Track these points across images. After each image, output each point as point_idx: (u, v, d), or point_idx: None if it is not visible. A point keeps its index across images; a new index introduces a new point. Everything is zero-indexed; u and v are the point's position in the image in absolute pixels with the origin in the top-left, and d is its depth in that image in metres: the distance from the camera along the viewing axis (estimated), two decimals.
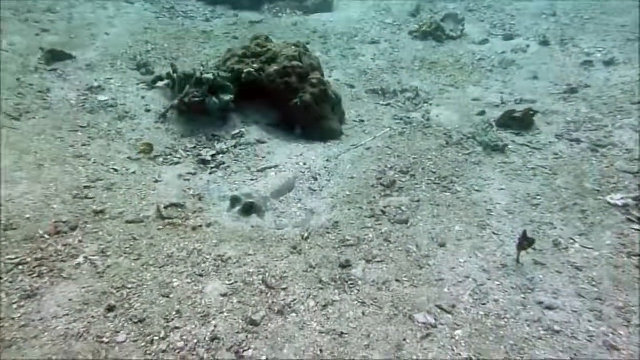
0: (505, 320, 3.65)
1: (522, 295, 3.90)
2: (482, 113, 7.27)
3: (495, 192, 5.40)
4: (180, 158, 5.67)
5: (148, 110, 6.42)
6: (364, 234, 4.61)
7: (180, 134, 6.11)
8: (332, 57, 9.45)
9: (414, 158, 6.00)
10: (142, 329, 3.37)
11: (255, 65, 6.54)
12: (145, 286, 3.75)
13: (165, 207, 4.70)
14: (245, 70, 6.42)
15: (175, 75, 6.49)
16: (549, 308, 3.75)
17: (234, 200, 4.86)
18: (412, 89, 8.07)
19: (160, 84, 6.90)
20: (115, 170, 5.16)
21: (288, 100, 6.43)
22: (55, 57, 7.18)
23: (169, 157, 5.65)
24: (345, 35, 10.53)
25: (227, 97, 6.22)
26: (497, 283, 4.04)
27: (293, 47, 6.75)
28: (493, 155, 6.15)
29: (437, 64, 9.34)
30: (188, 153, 5.80)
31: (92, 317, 3.41)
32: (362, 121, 7.06)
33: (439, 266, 4.22)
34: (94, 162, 5.18)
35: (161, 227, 4.47)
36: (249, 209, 4.79)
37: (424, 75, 8.84)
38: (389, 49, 10.04)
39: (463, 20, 10.81)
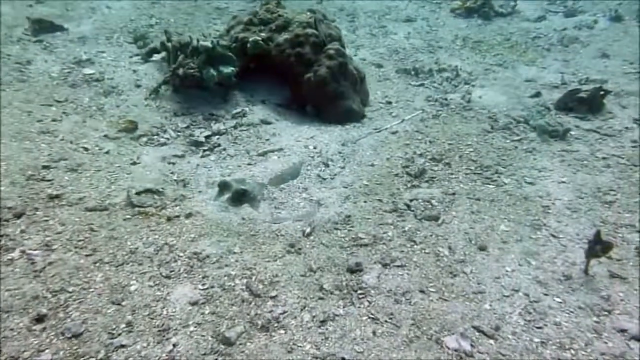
0: (572, 351, 2.82)
1: (595, 319, 3.05)
2: (537, 95, 6.43)
3: (554, 185, 4.50)
4: (168, 138, 5.03)
5: (138, 86, 5.83)
6: (381, 232, 3.81)
7: (173, 111, 5.47)
8: (360, 35, 8.72)
9: (450, 144, 5.16)
10: (75, 347, 2.70)
11: (262, 34, 5.85)
12: (92, 290, 3.09)
13: (138, 193, 4.04)
14: (250, 39, 5.74)
15: (169, 44, 5.86)
16: (637, 339, 2.85)
17: (223, 187, 4.15)
18: (451, 68, 7.27)
19: (155, 57, 6.33)
20: (86, 149, 4.55)
21: (300, 74, 5.69)
22: (43, 28, 6.74)
23: (154, 137, 5.01)
24: (376, 13, 9.80)
25: (228, 70, 5.55)
26: (557, 300, 3.20)
27: (308, 13, 6.02)
28: (550, 142, 5.26)
29: (483, 43, 8.47)
30: (179, 133, 5.15)
31: (11, 329, 2.75)
32: (389, 103, 6.27)
33: (478, 275, 3.39)
34: (62, 140, 4.59)
35: (129, 216, 3.82)
36: (240, 198, 4.08)
37: (466, 54, 7.99)
38: (426, 27, 9.25)
39: None
